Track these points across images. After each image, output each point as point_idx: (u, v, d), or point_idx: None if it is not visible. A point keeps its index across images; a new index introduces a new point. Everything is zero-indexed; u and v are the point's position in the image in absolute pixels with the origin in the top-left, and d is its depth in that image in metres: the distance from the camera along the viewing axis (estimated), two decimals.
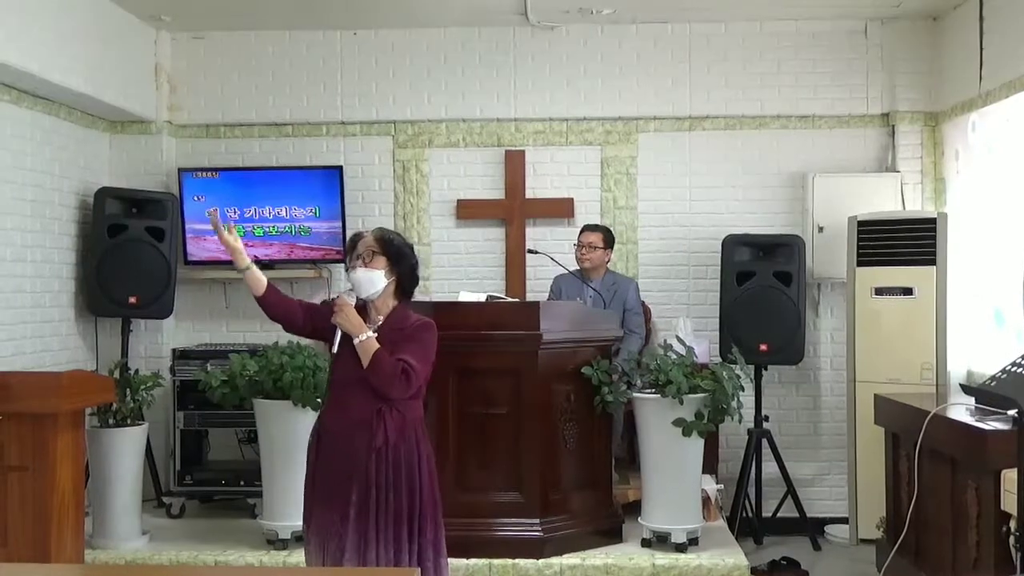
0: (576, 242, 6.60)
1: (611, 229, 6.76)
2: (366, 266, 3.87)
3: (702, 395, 5.49)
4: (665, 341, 5.87)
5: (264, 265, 7.08)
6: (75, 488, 4.79)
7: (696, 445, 5.54)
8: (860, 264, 6.36)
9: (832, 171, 6.94)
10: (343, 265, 7.01)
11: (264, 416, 5.72)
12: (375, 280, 3.88)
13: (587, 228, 6.63)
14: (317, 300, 7.19)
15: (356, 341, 3.81)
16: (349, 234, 6.91)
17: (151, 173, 7.15)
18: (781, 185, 7.07)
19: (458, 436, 5.41)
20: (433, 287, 7.15)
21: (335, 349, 3.87)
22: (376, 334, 3.88)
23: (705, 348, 6.56)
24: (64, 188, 6.58)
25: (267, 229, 7.07)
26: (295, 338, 6.12)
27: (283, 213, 7.06)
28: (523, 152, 7.17)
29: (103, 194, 6.68)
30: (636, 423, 5.74)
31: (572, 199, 7.13)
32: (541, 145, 7.18)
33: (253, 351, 6.22)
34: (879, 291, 6.33)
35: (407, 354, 3.82)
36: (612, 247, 6.66)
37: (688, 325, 6.63)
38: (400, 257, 3.92)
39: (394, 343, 3.86)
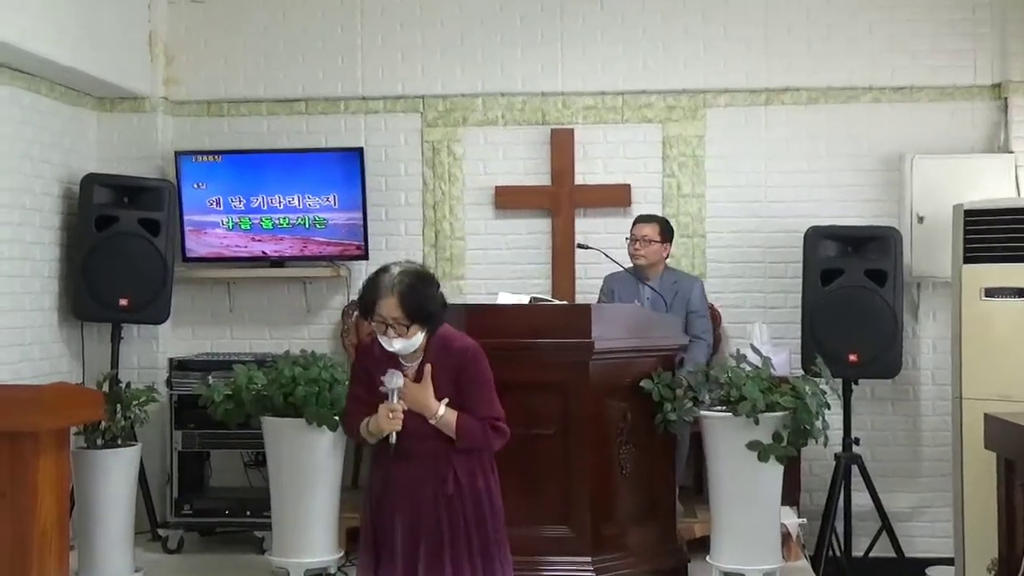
0: (629, 235, 6.59)
1: (669, 220, 6.74)
2: (401, 337, 3.95)
3: (781, 414, 5.46)
4: (737, 350, 5.83)
5: (274, 262, 7.17)
6: (59, 518, 4.83)
7: (774, 472, 5.50)
8: (968, 261, 6.27)
9: (934, 152, 6.88)
10: (364, 264, 7.12)
11: (274, 436, 5.75)
12: (414, 344, 4.00)
13: (640, 219, 6.62)
14: (335, 306, 7.27)
15: (433, 422, 3.97)
16: (372, 226, 7.03)
17: (145, 157, 7.21)
18: (874, 168, 7.02)
19: (497, 460, 5.38)
20: (468, 288, 7.16)
21: (392, 440, 4.03)
22: (413, 369, 4.01)
23: (784, 358, 6.52)
24: (46, 174, 6.65)
25: (277, 221, 7.11)
26: (308, 346, 6.16)
27: (295, 203, 7.10)
28: (572, 131, 7.16)
29: (90, 181, 6.75)
30: (704, 446, 5.71)
31: (629, 185, 7.11)
32: (592, 123, 7.17)
33: (261, 361, 6.25)
34: (990, 292, 6.25)
35: (479, 403, 4.00)
36: (671, 241, 6.63)
37: (764, 332, 6.60)
38: (429, 316, 3.99)
39: (444, 369, 3.99)
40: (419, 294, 3.94)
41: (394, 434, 3.95)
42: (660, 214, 6.87)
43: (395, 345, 3.94)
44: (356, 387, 4.15)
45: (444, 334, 4.06)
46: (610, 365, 5.46)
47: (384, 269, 4.00)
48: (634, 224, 6.60)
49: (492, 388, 4.07)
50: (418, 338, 3.97)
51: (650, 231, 6.52)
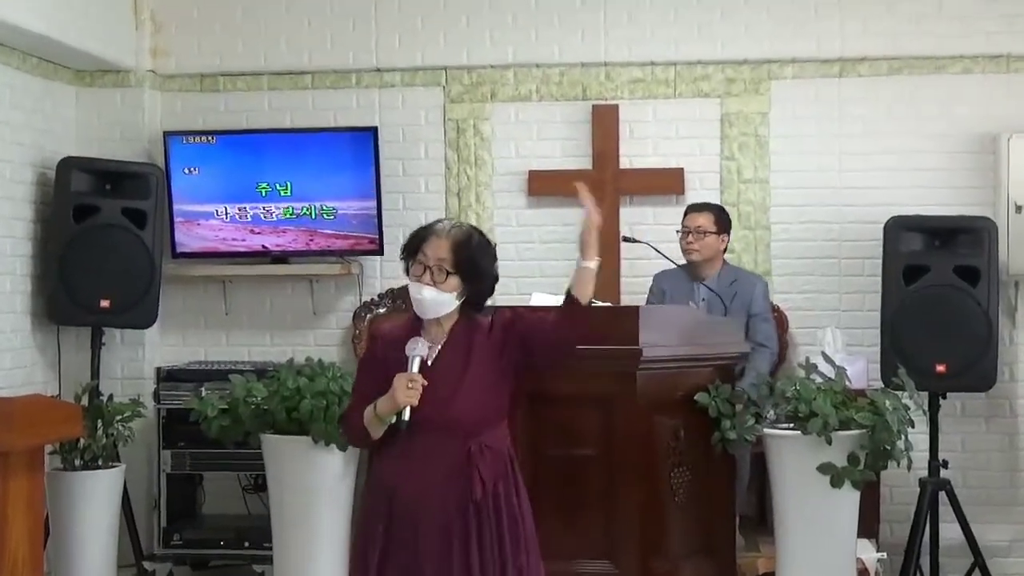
0: (680, 227, 6.57)
1: (725, 208, 6.72)
2: (436, 285, 3.91)
3: (857, 432, 5.44)
4: (807, 359, 5.81)
5: (276, 258, 7.19)
6: (31, 548, 4.85)
7: (849, 499, 5.48)
8: None
9: None
10: (378, 259, 7.13)
11: (275, 456, 5.76)
12: (444, 304, 3.99)
13: (693, 208, 6.61)
14: (345, 307, 7.28)
15: (587, 265, 4.10)
16: (387, 216, 7.03)
17: (129, 138, 7.24)
18: (965, 150, 6.98)
19: (530, 485, 5.30)
20: (498, 287, 7.10)
21: (406, 416, 3.94)
22: (435, 352, 3.99)
23: (861, 368, 6.49)
24: (17, 158, 6.69)
25: (279, 211, 7.14)
26: (315, 354, 6.17)
27: (300, 190, 7.11)
28: (616, 107, 7.15)
29: (67, 165, 6.78)
30: (768, 469, 5.70)
31: (682, 169, 7.10)
32: (640, 98, 7.16)
33: (261, 371, 6.27)
34: None
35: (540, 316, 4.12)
36: (729, 232, 6.61)
37: (838, 338, 6.56)
38: (476, 276, 4.01)
39: (467, 358, 3.96)
40: (475, 248, 3.99)
41: (408, 412, 3.88)
42: (710, 200, 6.86)
43: (424, 293, 3.92)
44: (364, 379, 4.08)
45: (471, 321, 4.06)
46: (660, 376, 5.46)
47: (444, 219, 4.11)
48: (686, 213, 6.59)
49: None
50: (451, 300, 3.95)
51: (705, 221, 6.50)
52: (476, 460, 3.92)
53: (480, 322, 4.05)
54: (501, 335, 4.00)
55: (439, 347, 4.00)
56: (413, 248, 4.00)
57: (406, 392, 3.86)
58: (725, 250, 6.61)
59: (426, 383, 3.89)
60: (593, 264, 4.05)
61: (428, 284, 3.93)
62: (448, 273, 3.93)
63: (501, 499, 3.97)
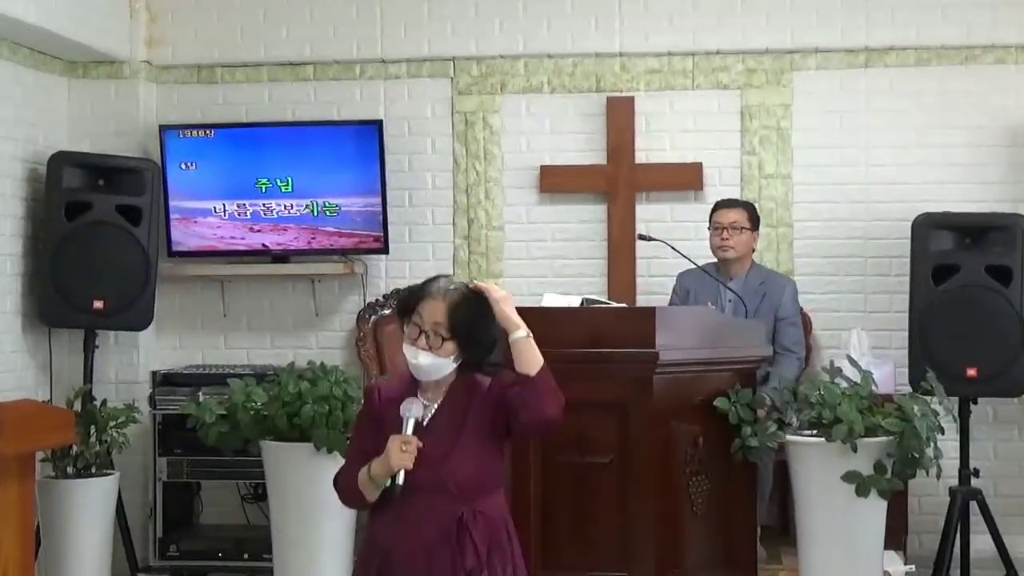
0: (711, 224, 6.56)
1: (756, 206, 6.72)
2: (432, 351, 3.92)
3: (884, 439, 5.44)
4: (831, 363, 5.80)
5: (276, 257, 7.19)
6: (22, 559, 4.85)
7: (876, 509, 5.48)
8: None
9: None
10: (383, 259, 7.13)
11: (276, 464, 5.76)
12: (441, 368, 3.97)
13: (725, 204, 6.60)
14: (349, 308, 7.28)
15: (517, 337, 3.92)
16: (392, 213, 7.03)
17: (123, 132, 7.25)
18: (998, 143, 6.97)
19: (542, 495, 5.39)
20: (508, 287, 7.07)
21: (388, 482, 3.94)
22: (431, 412, 3.97)
23: (888, 372, 6.50)
24: (7, 153, 6.70)
25: (280, 208, 7.14)
26: (317, 357, 6.17)
27: (302, 186, 7.12)
28: (632, 99, 7.15)
29: (59, 160, 6.78)
30: (791, 478, 5.70)
31: (700, 164, 7.10)
32: (657, 90, 7.16)
33: (261, 375, 6.27)
34: None
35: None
36: (759, 229, 6.62)
37: (864, 340, 6.56)
38: (473, 341, 3.98)
39: (464, 419, 3.95)
40: (472, 311, 3.95)
41: (402, 475, 3.88)
42: (730, 197, 6.86)
43: (420, 359, 3.92)
44: (361, 437, 4.08)
45: (470, 379, 4.02)
46: (678, 380, 5.45)
47: (440, 277, 4.04)
48: (716, 209, 6.58)
49: None
50: (447, 365, 3.95)
51: (739, 216, 6.49)
52: (469, 526, 3.89)
53: (480, 382, 4.01)
54: (498, 395, 3.95)
55: (435, 406, 3.99)
56: (408, 309, 3.97)
57: (399, 455, 3.85)
58: (755, 249, 6.61)
59: (421, 445, 3.87)
60: (520, 334, 3.92)
61: (424, 349, 3.92)
62: (444, 339, 3.91)
63: (497, 570, 3.91)
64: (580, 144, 7.20)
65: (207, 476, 6.78)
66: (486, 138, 7.23)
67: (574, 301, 5.77)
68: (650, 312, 5.52)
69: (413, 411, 3.90)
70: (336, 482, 4.15)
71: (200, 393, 6.45)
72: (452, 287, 3.97)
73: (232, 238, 7.18)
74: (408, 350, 3.94)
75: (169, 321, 7.33)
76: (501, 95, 7.23)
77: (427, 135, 7.28)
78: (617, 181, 7.10)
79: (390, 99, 7.28)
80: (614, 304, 6.06)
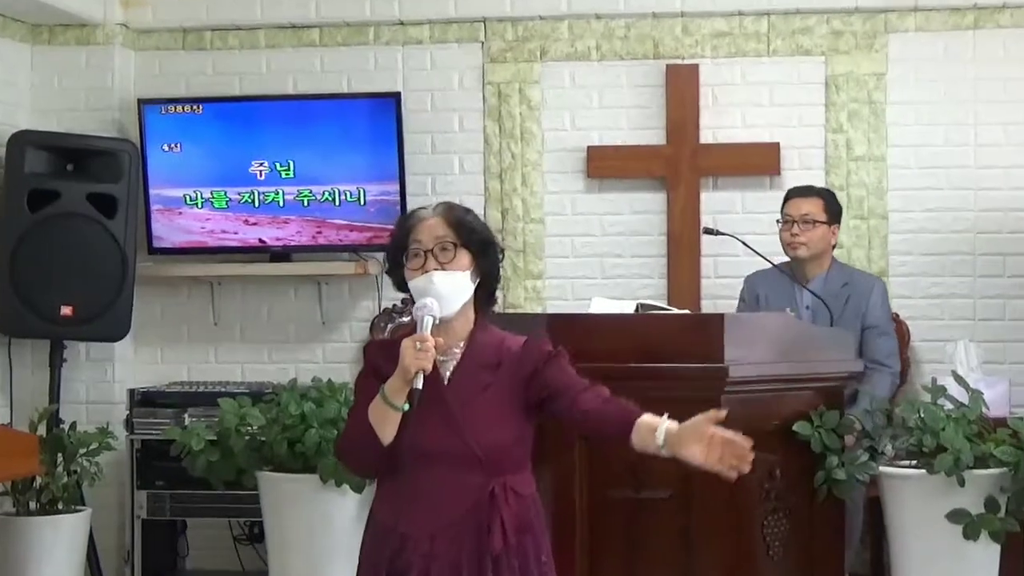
0: (782, 216, 6.53)
1: (834, 193, 6.66)
2: (443, 266, 3.91)
3: (997, 471, 5.42)
4: (933, 381, 5.80)
5: (276, 255, 7.20)
6: None
7: (987, 554, 5.46)
8: None
9: None
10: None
11: (275, 499, 5.78)
12: (461, 288, 3.96)
13: (796, 193, 6.56)
14: (360, 315, 7.28)
15: (664, 453, 3.86)
16: (412, 203, 7.00)
17: (96, 107, 7.28)
18: None
19: (590, 535, 5.39)
20: (549, 291, 7.17)
21: (405, 406, 3.89)
22: (450, 366, 3.95)
23: (1002, 392, 6.46)
24: None
25: (280, 197, 7.15)
26: (323, 373, 6.18)
27: (306, 170, 7.13)
28: (695, 68, 7.14)
29: (21, 141, 6.81)
30: (885, 517, 5.69)
31: (778, 145, 7.09)
32: (725, 56, 7.15)
33: (257, 394, 6.27)
34: None
35: (573, 379, 3.97)
36: (839, 222, 6.56)
37: (973, 354, 6.54)
38: (485, 246, 4.02)
39: (491, 376, 3.94)
40: (469, 214, 4.01)
41: (420, 380, 3.82)
42: (813, 183, 6.82)
43: (435, 281, 3.89)
44: (367, 395, 4.01)
45: (494, 332, 4.04)
46: (751, 401, 5.41)
47: (417, 208, 4.08)
48: (787, 200, 6.54)
49: None
50: (466, 281, 3.94)
51: (812, 208, 6.44)
52: (499, 504, 3.89)
53: (507, 338, 4.02)
54: (533, 366, 3.95)
55: (454, 362, 3.97)
56: (400, 243, 3.99)
57: (415, 355, 3.81)
58: (835, 245, 6.56)
59: (441, 341, 3.86)
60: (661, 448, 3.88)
61: (435, 268, 3.91)
62: (455, 247, 3.93)
63: (530, 559, 3.92)
64: (634, 121, 7.19)
65: (194, 513, 6.80)
66: (523, 114, 7.22)
67: (627, 307, 5.76)
68: (718, 320, 5.50)
69: (428, 308, 3.86)
70: (338, 441, 4.14)
71: (186, 415, 6.49)
72: (440, 204, 4.01)
73: (223, 232, 7.20)
74: (419, 280, 3.91)
75: (149, 330, 7.35)
76: (541, 63, 7.23)
77: (453, 110, 7.29)
78: (678, 164, 7.09)
79: (410, 68, 7.30)
80: (674, 311, 6.06)
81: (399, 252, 3.98)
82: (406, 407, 3.81)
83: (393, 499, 3.98)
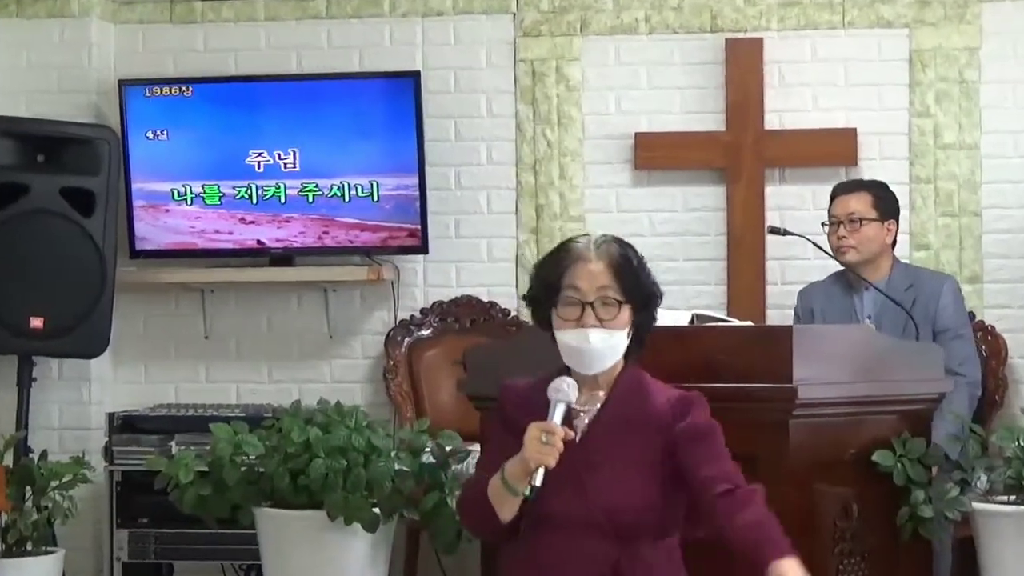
0: (828, 217, 6.54)
1: (889, 186, 6.62)
2: (603, 323, 3.97)
3: None
4: None
5: (276, 258, 7.23)
6: None
7: None
8: None
9: None
10: (420, 260, 7.14)
11: (275, 539, 5.79)
12: (618, 348, 4.03)
13: (842, 189, 6.55)
14: (374, 328, 7.30)
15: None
16: (433, 198, 7.04)
17: (71, 89, 7.32)
18: None
19: None
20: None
21: (526, 490, 3.94)
22: (587, 418, 4.02)
23: None
24: None
25: (281, 192, 7.19)
26: (330, 394, 6.20)
27: (311, 161, 7.17)
28: (759, 42, 7.16)
29: None
30: (979, 560, 5.69)
31: (854, 131, 7.11)
32: (793, 29, 7.17)
33: (255, 418, 6.29)
34: None
35: (726, 467, 4.01)
36: (896, 218, 6.53)
37: None
38: (648, 302, 4.07)
39: (631, 434, 3.99)
40: (634, 258, 4.04)
41: (540, 476, 3.87)
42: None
43: (593, 339, 3.95)
44: (498, 445, 4.08)
45: (643, 381, 4.08)
46: (824, 426, 5.42)
47: (576, 237, 4.12)
48: (832, 199, 6.52)
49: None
50: (623, 342, 4.00)
51: (859, 205, 6.42)
52: (624, 572, 3.94)
53: (657, 391, 4.07)
54: (676, 437, 3.99)
55: (593, 412, 4.02)
56: (553, 284, 4.03)
57: (538, 447, 3.85)
58: (894, 244, 6.53)
59: (571, 436, 3.89)
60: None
61: (594, 326, 3.95)
62: (619, 304, 3.97)
63: None
64: (688, 103, 7.23)
65: (182, 555, 6.81)
66: (561, 96, 7.25)
67: (682, 318, 5.75)
68: (785, 333, 5.49)
69: (564, 393, 3.91)
70: (460, 500, 4.22)
71: (173, 443, 6.50)
72: (600, 243, 4.03)
73: (216, 233, 7.24)
74: (571, 335, 3.96)
75: (131, 345, 7.40)
76: (581, 37, 7.25)
77: (481, 92, 7.32)
78: (739, 154, 7.11)
79: (431, 43, 7.33)
80: (735, 322, 6.06)
81: (551, 292, 4.03)
82: (527, 492, 3.87)
83: (514, 564, 4.07)
